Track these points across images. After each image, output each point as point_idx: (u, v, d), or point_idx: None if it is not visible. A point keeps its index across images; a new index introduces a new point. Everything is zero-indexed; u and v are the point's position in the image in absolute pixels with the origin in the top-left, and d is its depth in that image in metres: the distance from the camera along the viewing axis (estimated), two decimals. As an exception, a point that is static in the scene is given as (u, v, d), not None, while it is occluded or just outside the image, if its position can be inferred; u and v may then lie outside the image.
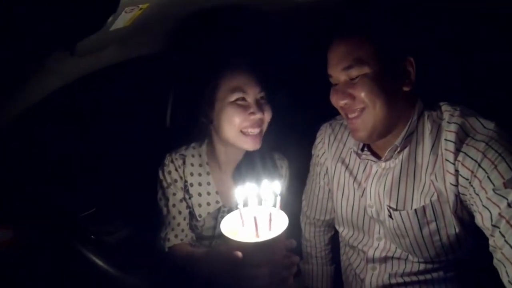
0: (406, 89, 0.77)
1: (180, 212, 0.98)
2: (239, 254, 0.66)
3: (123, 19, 0.65)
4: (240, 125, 0.91)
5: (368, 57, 0.74)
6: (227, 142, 0.95)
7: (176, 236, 0.97)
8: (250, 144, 0.93)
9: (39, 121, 0.95)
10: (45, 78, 0.81)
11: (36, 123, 0.95)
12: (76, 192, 1.07)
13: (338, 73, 0.78)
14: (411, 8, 0.79)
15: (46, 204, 0.94)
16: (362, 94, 0.75)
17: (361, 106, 0.76)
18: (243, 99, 0.91)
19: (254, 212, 0.68)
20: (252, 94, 0.91)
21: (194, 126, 0.99)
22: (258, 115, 0.90)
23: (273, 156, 1.08)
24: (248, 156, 1.01)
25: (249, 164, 1.00)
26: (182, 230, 0.98)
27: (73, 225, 0.92)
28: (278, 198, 0.71)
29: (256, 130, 0.92)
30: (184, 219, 0.99)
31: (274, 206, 0.73)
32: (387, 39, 0.75)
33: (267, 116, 0.94)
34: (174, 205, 0.99)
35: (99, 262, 0.79)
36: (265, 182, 0.74)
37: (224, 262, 0.71)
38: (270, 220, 0.69)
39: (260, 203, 0.75)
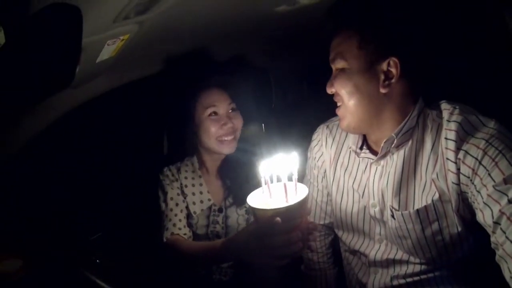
0: (383, 91, 0.76)
1: (177, 204, 1.09)
2: (278, 219, 0.69)
3: (107, 51, 0.67)
4: (215, 134, 1.07)
5: (348, 53, 0.77)
6: (209, 150, 1.12)
7: (174, 225, 1.05)
8: (226, 149, 1.09)
9: (41, 152, 0.99)
10: (41, 111, 0.84)
11: (38, 154, 0.99)
12: (82, 217, 1.11)
13: (331, 64, 0.83)
14: (402, 7, 0.78)
15: (54, 231, 0.98)
16: (337, 88, 0.80)
17: (340, 99, 0.81)
18: (215, 113, 1.08)
19: (282, 182, 0.75)
20: (222, 107, 1.08)
21: (185, 142, 1.13)
22: (229, 125, 1.07)
23: (250, 158, 1.19)
24: (229, 160, 1.15)
25: (230, 167, 1.16)
26: (180, 220, 1.07)
27: (80, 250, 0.94)
28: (295, 171, 0.76)
29: (230, 137, 1.08)
30: (181, 211, 1.09)
31: (290, 180, 0.77)
32: (371, 37, 0.75)
33: (238, 124, 1.11)
34: (172, 198, 1.09)
35: (105, 286, 0.81)
36: (281, 156, 0.78)
37: (255, 239, 0.75)
38: (296, 186, 0.75)
39: (273, 180, 0.79)
